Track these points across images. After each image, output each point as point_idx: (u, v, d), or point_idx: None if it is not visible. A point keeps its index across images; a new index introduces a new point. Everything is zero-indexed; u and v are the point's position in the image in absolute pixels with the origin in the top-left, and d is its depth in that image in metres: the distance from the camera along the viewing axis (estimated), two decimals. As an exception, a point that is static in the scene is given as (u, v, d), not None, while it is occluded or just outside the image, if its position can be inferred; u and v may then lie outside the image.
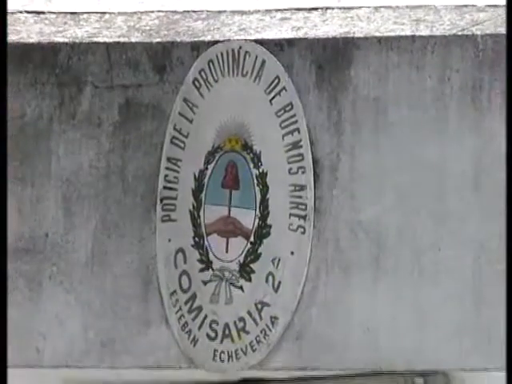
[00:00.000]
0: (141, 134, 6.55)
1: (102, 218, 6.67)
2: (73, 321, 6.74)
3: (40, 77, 6.70)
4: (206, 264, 6.32)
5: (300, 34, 6.49)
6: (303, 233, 6.18)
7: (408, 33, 6.42)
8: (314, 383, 6.86)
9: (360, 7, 6.65)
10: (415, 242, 6.32)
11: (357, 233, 6.40)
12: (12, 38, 6.85)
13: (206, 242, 6.33)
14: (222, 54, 6.45)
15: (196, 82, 6.45)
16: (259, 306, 6.27)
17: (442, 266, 6.52)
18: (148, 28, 6.79)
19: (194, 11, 6.87)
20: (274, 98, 6.29)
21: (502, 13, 6.79)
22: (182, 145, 6.50)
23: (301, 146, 6.23)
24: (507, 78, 6.49)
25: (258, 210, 6.33)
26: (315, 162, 6.26)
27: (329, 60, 6.37)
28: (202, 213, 6.38)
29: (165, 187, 6.45)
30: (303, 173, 6.21)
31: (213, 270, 6.31)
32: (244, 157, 6.37)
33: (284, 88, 6.25)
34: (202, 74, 6.42)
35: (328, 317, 6.26)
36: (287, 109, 6.26)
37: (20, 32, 6.91)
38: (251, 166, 6.30)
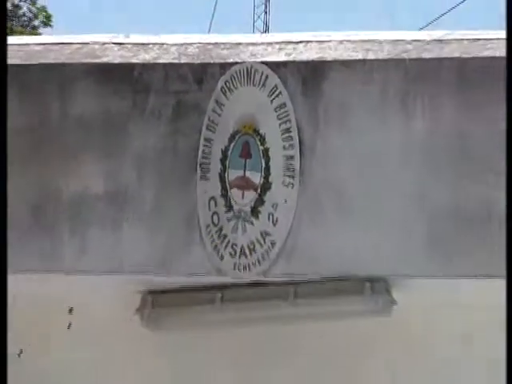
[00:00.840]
0: (187, 124, 6.91)
1: (164, 178, 7.02)
2: (143, 240, 7.03)
3: (121, 87, 7.16)
4: (229, 208, 6.82)
5: (291, 58, 6.85)
6: (292, 188, 6.68)
7: (361, 57, 6.92)
8: (301, 286, 7.03)
9: (330, 41, 6.98)
10: (371, 192, 6.80)
11: (329, 188, 6.83)
12: (103, 60, 7.22)
13: (229, 193, 6.83)
14: (239, 71, 6.90)
15: (223, 89, 6.86)
16: (263, 235, 6.77)
17: (393, 206, 6.89)
18: (191, 54, 7.04)
19: (222, 43, 7.22)
20: (273, 99, 6.76)
21: (423, 44, 7.10)
22: (214, 130, 6.88)
23: (291, 131, 6.68)
24: (507, 77, 6.53)
25: (262, 172, 6.81)
26: (300, 141, 6.65)
27: (310, 76, 6.86)
28: (226, 174, 6.85)
29: (202, 157, 6.81)
30: (292, 148, 6.67)
31: (233, 211, 6.79)
32: (254, 138, 6.86)
33: (280, 93, 6.73)
34: (227, 84, 6.89)
35: (309, 241, 6.64)
36: (282, 107, 6.75)
37: (108, 56, 7.23)
38: (259, 143, 6.81)
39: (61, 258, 7.09)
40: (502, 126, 6.75)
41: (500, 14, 8.58)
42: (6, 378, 5.78)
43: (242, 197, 6.80)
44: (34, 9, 20.23)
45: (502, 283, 6.64)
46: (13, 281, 7.08)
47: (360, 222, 6.78)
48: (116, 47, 7.20)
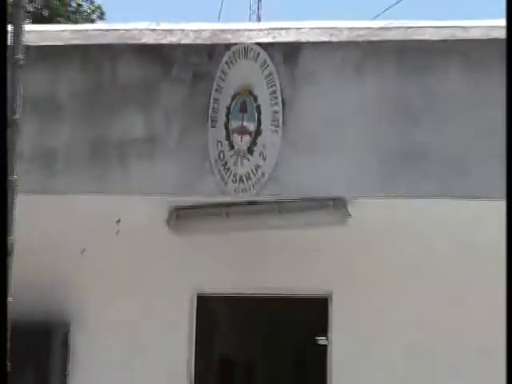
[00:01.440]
0: (202, 87, 7.34)
1: (185, 125, 7.36)
2: (170, 170, 7.46)
3: (153, 61, 7.46)
4: (231, 148, 7.25)
5: (276, 40, 7.29)
6: (277, 134, 7.12)
7: (326, 40, 7.26)
8: (283, 203, 7.56)
9: (304, 28, 7.41)
10: (335, 136, 7.26)
11: (303, 134, 7.19)
12: (141, 41, 7.55)
13: (231, 138, 7.28)
14: (239, 50, 7.30)
15: (227, 63, 7.28)
16: (256, 167, 7.22)
17: (352, 146, 7.37)
18: (204, 37, 7.48)
19: (226, 29, 7.65)
20: (263, 70, 7.20)
21: (373, 30, 7.45)
22: (220, 92, 7.30)
23: (276, 93, 7.13)
24: (507, 77, 6.44)
25: (255, 123, 7.23)
26: (283, 100, 7.08)
27: (289, 53, 7.24)
28: (229, 124, 7.26)
29: (212, 112, 7.29)
30: (277, 105, 7.12)
31: (234, 150, 7.24)
32: (249, 98, 7.28)
33: (268, 65, 7.17)
34: (230, 58, 7.30)
35: (289, 172, 7.14)
36: (270, 75, 7.18)
37: (144, 38, 7.48)
38: (253, 102, 7.24)
39: (110, 183, 7.48)
40: (432, 87, 7.25)
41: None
42: (6, 377, 5.17)
43: (241, 140, 7.27)
44: (92, 6, 20.97)
45: (428, 202, 7.31)
46: (76, 200, 7.65)
47: (326, 157, 7.29)
48: (150, 32, 7.62)
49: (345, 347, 8.16)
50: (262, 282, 8.19)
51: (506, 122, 6.30)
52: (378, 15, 35.19)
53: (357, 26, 7.68)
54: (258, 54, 7.30)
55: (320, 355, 8.28)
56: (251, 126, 7.33)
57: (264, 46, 7.32)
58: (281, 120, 7.20)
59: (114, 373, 8.25)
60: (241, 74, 7.40)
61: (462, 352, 8.05)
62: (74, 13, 20.53)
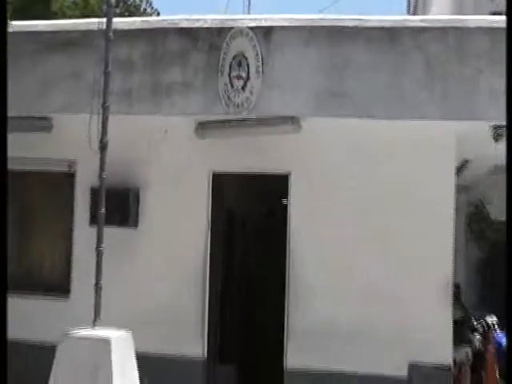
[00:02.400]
0: (214, 53, 7.83)
1: (203, 76, 7.91)
2: (196, 98, 7.92)
3: (184, 39, 7.97)
4: (232, 86, 7.77)
5: (260, 25, 7.75)
6: (258, 78, 7.66)
7: (293, 25, 7.74)
8: (265, 120, 7.77)
9: (278, 19, 7.82)
10: (296, 76, 7.67)
11: (273, 80, 7.68)
12: (178, 26, 7.96)
13: (232, 81, 7.78)
14: (237, 31, 7.78)
15: (229, 39, 7.77)
16: (247, 99, 7.68)
17: (310, 78, 7.70)
18: (215, 23, 7.97)
19: (229, 18, 8.09)
20: (251, 42, 7.68)
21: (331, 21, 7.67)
22: (226, 56, 7.76)
23: (258, 56, 7.64)
24: (507, 77, 5.46)
25: (246, 72, 7.68)
26: (262, 60, 7.60)
27: (265, 31, 7.69)
28: (231, 73, 7.75)
29: (220, 67, 7.80)
30: (259, 62, 7.65)
31: (234, 88, 7.74)
32: (243, 58, 7.77)
33: (254, 40, 7.66)
34: (231, 36, 7.79)
35: (266, 100, 7.66)
36: (254, 46, 7.69)
37: (178, 24, 8.01)
38: (245, 61, 7.76)
39: (162, 108, 8.01)
40: (348, 54, 7.61)
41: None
42: (6, 378, 4.56)
43: (237, 82, 7.81)
44: (151, 8, 20.04)
45: (373, 122, 7.54)
46: (140, 118, 8.04)
47: (287, 92, 7.68)
48: (185, 20, 8.10)
49: (301, 207, 8.23)
50: (249, 165, 8.37)
51: (506, 122, 5.58)
52: (326, 7, 34.90)
53: (305, 17, 7.88)
54: (248, 33, 7.74)
55: (284, 209, 8.33)
56: (244, 74, 7.76)
57: (251, 28, 7.76)
58: (260, 71, 7.69)
59: (161, 215, 8.52)
60: (237, 45, 7.80)
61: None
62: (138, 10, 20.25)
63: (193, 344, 8.20)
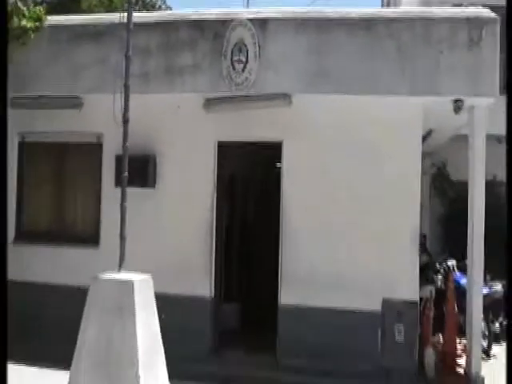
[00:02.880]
0: (219, 41, 7.77)
1: (209, 59, 7.82)
2: (203, 77, 7.86)
3: (195, 28, 7.91)
4: (234, 69, 7.72)
5: (256, 17, 7.72)
6: (256, 62, 7.64)
7: (279, 17, 7.74)
8: (257, 97, 7.76)
9: (270, 12, 7.81)
10: (288, 57, 7.59)
11: (268, 61, 7.66)
12: (192, 18, 7.85)
13: (234, 64, 7.72)
14: (238, 22, 7.74)
15: (231, 28, 7.72)
16: (246, 78, 7.65)
17: (298, 59, 7.60)
18: (221, 15, 7.91)
19: (232, 12, 8.00)
20: (250, 31, 7.65)
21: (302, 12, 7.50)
22: (228, 42, 7.71)
23: (255, 42, 7.63)
24: (507, 77, 5.19)
25: (246, 57, 7.63)
26: (259, 45, 7.60)
27: (262, 22, 7.66)
28: (232, 57, 7.71)
29: (223, 52, 7.74)
30: (256, 48, 7.62)
31: (235, 70, 7.65)
32: (243, 45, 7.73)
33: (252, 30, 7.64)
34: (233, 26, 7.74)
35: (262, 79, 7.61)
36: (253, 35, 7.65)
37: (193, 16, 7.91)
38: (244, 47, 7.71)
39: (174, 88, 7.93)
40: (333, 39, 7.47)
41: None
42: (6, 378, 4.27)
43: (238, 65, 7.78)
44: (165, 5, 19.67)
45: (329, 97, 7.46)
46: (153, 96, 7.86)
47: (280, 71, 7.66)
48: (194, 14, 8.08)
49: (292, 170, 8.15)
50: (249, 135, 8.21)
51: (506, 122, 5.33)
52: (314, 1, 34.03)
53: (296, 10, 7.90)
54: (247, 24, 7.71)
55: (278, 172, 8.25)
56: (244, 58, 7.71)
57: (250, 20, 7.74)
58: (258, 55, 7.69)
59: (175, 178, 8.40)
60: (238, 34, 7.76)
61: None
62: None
63: (202, 285, 8.20)
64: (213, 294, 8.26)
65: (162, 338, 5.13)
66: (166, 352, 5.17)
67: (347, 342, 7.51)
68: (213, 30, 7.83)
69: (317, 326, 7.62)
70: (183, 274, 8.11)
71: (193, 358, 7.52)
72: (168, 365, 5.18)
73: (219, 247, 8.44)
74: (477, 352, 7.41)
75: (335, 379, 7.17)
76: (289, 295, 7.89)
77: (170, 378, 5.21)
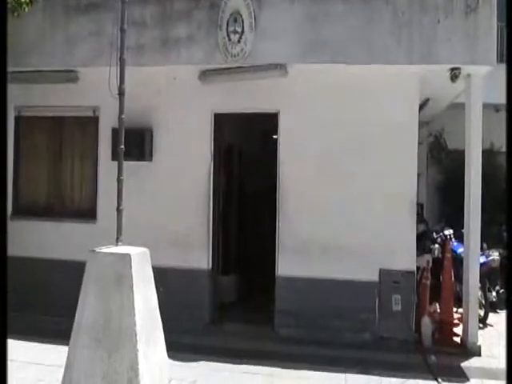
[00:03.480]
0: (214, 11, 7.69)
1: (205, 30, 7.71)
2: (199, 49, 7.71)
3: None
4: (229, 39, 7.61)
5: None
6: (251, 32, 7.52)
7: None
8: (254, 67, 7.65)
9: None
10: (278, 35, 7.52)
11: (262, 32, 7.55)
12: None
13: (230, 35, 7.64)
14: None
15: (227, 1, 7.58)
16: (242, 49, 7.54)
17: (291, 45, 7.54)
18: None
19: None
20: (248, 4, 7.57)
21: None
22: (224, 13, 7.61)
23: (251, 13, 7.54)
24: (507, 77, 4.83)
25: (241, 27, 7.56)
26: (254, 16, 7.50)
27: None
28: (228, 28, 7.62)
29: (219, 23, 7.63)
30: (251, 18, 7.54)
31: (231, 41, 7.59)
32: (238, 15, 7.63)
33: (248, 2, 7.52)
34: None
35: (257, 50, 7.53)
36: (248, 4, 7.57)
37: None
38: (240, 17, 7.62)
39: (171, 59, 7.82)
40: (326, 9, 7.35)
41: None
42: (6, 378, 4.13)
43: (234, 36, 7.67)
44: None
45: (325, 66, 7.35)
46: (151, 69, 7.79)
47: (276, 42, 7.54)
48: None
49: (288, 141, 8.09)
50: (245, 106, 8.12)
51: (506, 122, 5.00)
52: None
53: None
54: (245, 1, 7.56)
55: (275, 144, 8.21)
56: (239, 29, 7.61)
57: None
58: (253, 26, 7.60)
59: (172, 150, 8.34)
60: (233, 4, 7.68)
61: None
62: None
63: (199, 258, 8.18)
64: (210, 267, 8.24)
65: (160, 310, 5.13)
66: (164, 325, 5.16)
67: (345, 312, 7.55)
68: (208, 1, 7.71)
69: (314, 297, 7.66)
70: (181, 246, 8.10)
71: (191, 331, 7.55)
72: (167, 338, 5.18)
73: (216, 219, 8.41)
74: (473, 321, 7.42)
75: (334, 349, 7.18)
76: (286, 266, 7.88)
77: (169, 350, 5.22)
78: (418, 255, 7.84)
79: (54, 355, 6.02)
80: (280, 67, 7.64)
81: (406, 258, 7.61)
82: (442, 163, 12.18)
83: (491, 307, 8.74)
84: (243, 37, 7.60)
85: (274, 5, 7.58)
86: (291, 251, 7.86)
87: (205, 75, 8.05)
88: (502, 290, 9.06)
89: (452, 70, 7.33)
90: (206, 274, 8.17)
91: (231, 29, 7.63)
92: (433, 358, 7.06)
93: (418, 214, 7.99)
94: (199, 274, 8.09)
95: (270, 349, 7.23)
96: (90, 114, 8.57)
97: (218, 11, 7.64)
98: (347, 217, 7.76)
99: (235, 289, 9.24)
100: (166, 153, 8.38)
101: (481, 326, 8.02)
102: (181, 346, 6.35)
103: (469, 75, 7.47)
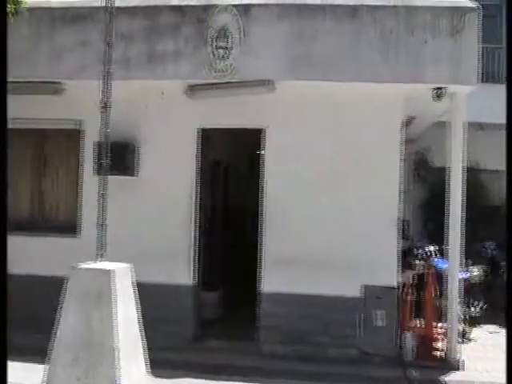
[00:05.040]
0: (202, 26, 7.66)
1: (195, 45, 7.64)
2: (188, 55, 7.67)
3: (182, 11, 7.71)
4: (214, 55, 7.62)
5: (239, 3, 7.64)
6: (238, 48, 7.54)
7: (262, 2, 7.63)
8: (240, 83, 7.67)
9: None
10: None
11: (248, 47, 7.56)
12: (172, 3, 7.71)
13: (216, 50, 7.63)
14: (222, 8, 7.66)
15: (215, 14, 7.62)
16: (230, 65, 7.57)
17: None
18: (203, 0, 7.76)
19: None
20: (233, 16, 7.57)
21: None
22: (212, 28, 7.59)
23: (240, 28, 7.55)
24: (507, 77, 4.99)
25: (228, 43, 7.57)
26: (243, 32, 7.53)
27: (245, 8, 7.58)
28: (215, 43, 7.61)
29: (208, 37, 7.63)
30: (239, 33, 7.58)
31: (217, 56, 7.63)
32: (225, 30, 7.66)
33: (236, 14, 7.57)
34: (217, 12, 7.63)
35: (244, 66, 7.55)
36: (237, 19, 7.58)
37: (173, 2, 7.74)
38: (227, 32, 7.65)
39: (157, 73, 7.74)
40: (313, 24, 7.42)
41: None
42: (6, 378, 4.21)
43: (221, 51, 7.68)
44: None
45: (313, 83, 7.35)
46: (143, 82, 7.77)
47: (263, 58, 7.54)
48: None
49: (275, 157, 8.07)
50: (232, 121, 8.12)
51: (506, 121, 5.16)
52: None
53: None
54: (231, 9, 7.67)
55: (261, 158, 8.12)
56: (227, 44, 7.64)
57: (234, 5, 7.70)
58: (241, 42, 7.63)
59: (157, 165, 8.26)
60: (221, 19, 7.68)
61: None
62: None
63: (183, 274, 8.12)
64: (195, 283, 8.19)
65: (143, 327, 5.07)
66: (147, 341, 5.10)
67: (328, 328, 7.55)
68: (195, 16, 7.68)
69: (299, 313, 7.63)
70: (164, 262, 8.01)
71: (174, 348, 7.48)
72: (149, 354, 5.11)
73: (201, 235, 8.38)
74: (455, 336, 7.48)
75: (318, 365, 7.19)
76: (270, 282, 7.83)
77: (152, 367, 5.14)
78: (401, 271, 7.87)
79: (35, 376, 5.82)
80: (267, 83, 7.62)
81: (388, 274, 7.61)
82: (426, 181, 12.13)
83: (475, 322, 8.80)
84: (231, 52, 7.61)
85: (261, 21, 7.58)
86: (276, 267, 7.81)
87: (192, 90, 7.99)
88: (484, 306, 9.09)
89: (437, 89, 7.39)
90: (189, 289, 8.11)
91: (219, 44, 7.62)
92: (414, 372, 7.11)
93: (403, 231, 8.02)
94: (183, 289, 8.02)
95: (254, 365, 7.21)
96: (75, 127, 8.47)
97: (206, 26, 7.61)
98: (332, 233, 7.75)
99: (219, 304, 9.16)
100: (151, 167, 8.31)
101: (463, 340, 8.11)
102: (164, 362, 6.26)
103: (453, 94, 7.55)
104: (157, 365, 5.25)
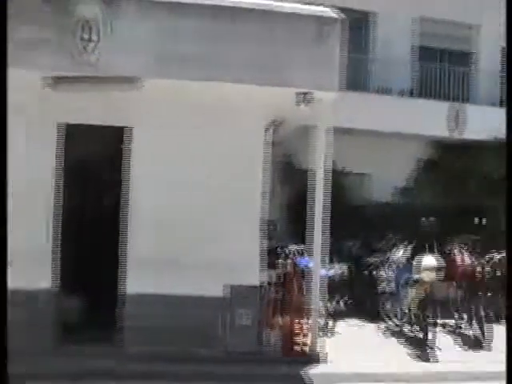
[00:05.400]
0: (67, 19, 7.28)
1: (59, 41, 7.29)
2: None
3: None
4: (85, 49, 7.38)
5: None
6: (105, 42, 7.28)
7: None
8: (108, 78, 7.49)
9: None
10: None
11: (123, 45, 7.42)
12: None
13: (83, 44, 7.37)
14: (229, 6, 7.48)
15: (82, 5, 7.32)
16: (95, 61, 7.30)
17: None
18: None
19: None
20: (102, 13, 7.31)
21: None
22: (78, 21, 7.30)
23: (107, 23, 7.31)
24: (507, 77, 4.87)
25: (98, 39, 7.30)
26: (110, 25, 7.26)
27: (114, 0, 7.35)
28: (82, 36, 7.31)
29: (73, 30, 7.31)
30: (110, 30, 7.35)
31: (85, 52, 7.34)
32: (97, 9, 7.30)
33: (103, 7, 7.32)
34: (83, 2, 7.34)
35: (112, 64, 7.34)
36: (106, 14, 7.33)
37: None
38: (95, 29, 7.36)
39: None
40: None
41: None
42: (7, 378, 4.04)
43: (87, 44, 7.41)
44: None
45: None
46: None
47: (132, 57, 7.37)
48: None
49: (141, 156, 7.95)
50: (97, 118, 7.90)
51: (506, 118, 5.05)
52: None
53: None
54: (99, 1, 7.38)
55: (126, 158, 8.02)
56: (93, 37, 7.37)
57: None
58: (108, 35, 7.29)
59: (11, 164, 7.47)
60: (88, 11, 7.35)
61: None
62: None
63: (41, 277, 7.82)
64: (53, 286, 7.89)
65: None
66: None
67: (193, 328, 7.54)
68: (62, 6, 7.34)
69: (163, 314, 7.56)
70: (22, 267, 7.50)
71: (34, 356, 7.16)
72: (9, 362, 4.76)
73: (58, 238, 8.14)
74: (316, 330, 7.82)
75: (185, 365, 7.19)
76: (134, 283, 7.73)
77: (11, 377, 4.82)
78: (265, 270, 8.08)
79: None
80: (133, 80, 7.46)
81: (252, 274, 7.76)
82: (293, 182, 12.35)
83: (338, 316, 9.22)
84: (97, 45, 7.40)
85: (130, 16, 7.42)
86: (138, 268, 7.66)
87: (55, 83, 7.59)
88: (348, 301, 9.68)
89: (299, 93, 7.54)
90: (47, 294, 7.80)
91: (85, 36, 7.36)
92: (280, 368, 7.37)
93: (268, 231, 8.20)
94: (40, 294, 7.72)
95: (116, 368, 7.08)
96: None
97: (73, 18, 7.34)
98: (196, 233, 7.75)
99: (81, 309, 8.82)
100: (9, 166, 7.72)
101: (328, 334, 8.57)
102: (25, 372, 6.07)
103: (316, 100, 7.73)
104: (17, 375, 5.06)
